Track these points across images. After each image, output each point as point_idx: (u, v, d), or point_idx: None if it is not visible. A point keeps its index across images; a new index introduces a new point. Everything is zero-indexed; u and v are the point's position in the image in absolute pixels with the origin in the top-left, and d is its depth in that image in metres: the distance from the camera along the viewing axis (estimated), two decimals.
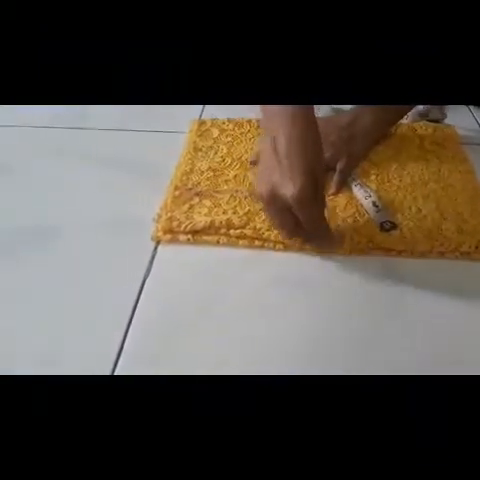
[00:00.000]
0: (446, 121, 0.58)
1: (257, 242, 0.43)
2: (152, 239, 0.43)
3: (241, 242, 0.43)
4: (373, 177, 0.50)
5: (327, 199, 0.47)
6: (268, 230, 0.43)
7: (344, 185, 0.48)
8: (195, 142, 0.55)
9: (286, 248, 0.43)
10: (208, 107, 0.62)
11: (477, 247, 0.41)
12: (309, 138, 0.37)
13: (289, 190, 0.36)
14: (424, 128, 0.56)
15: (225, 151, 0.53)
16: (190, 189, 0.48)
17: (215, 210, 0.46)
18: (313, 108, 0.39)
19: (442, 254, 0.42)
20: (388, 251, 0.42)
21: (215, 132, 0.56)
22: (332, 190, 0.48)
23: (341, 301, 0.39)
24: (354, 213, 0.46)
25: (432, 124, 0.57)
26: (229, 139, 0.55)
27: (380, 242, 0.42)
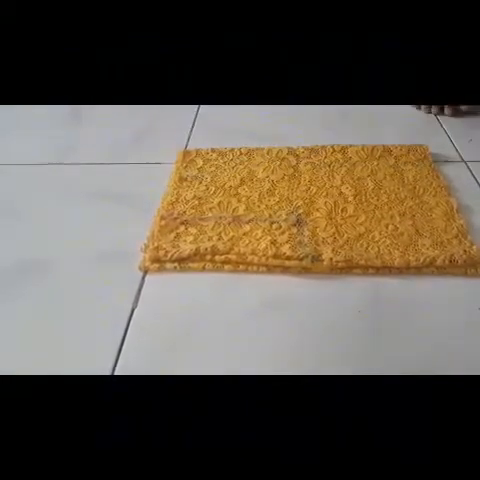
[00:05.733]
0: (418, 141, 0.60)
1: (241, 266, 0.45)
2: (140, 269, 0.45)
3: (226, 267, 0.45)
4: (351, 198, 0.52)
5: (308, 219, 0.49)
6: (252, 254, 0.45)
7: None
8: (180, 172, 0.57)
9: (269, 271, 0.45)
10: (192, 139, 0.65)
11: (451, 261, 0.43)
12: None
13: None
14: (399, 148, 0.59)
15: (209, 180, 0.56)
16: (176, 218, 0.50)
17: (200, 237, 0.48)
18: None
19: (419, 270, 0.44)
20: (366, 269, 0.44)
21: (199, 162, 0.59)
22: None
23: (325, 319, 0.40)
24: (334, 233, 0.48)
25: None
26: (213, 168, 0.58)
27: (358, 260, 0.44)
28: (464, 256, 0.43)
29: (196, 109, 0.72)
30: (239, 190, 0.54)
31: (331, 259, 0.44)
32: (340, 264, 0.44)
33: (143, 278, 0.44)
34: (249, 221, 0.49)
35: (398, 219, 0.49)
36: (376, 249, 0.45)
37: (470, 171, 0.57)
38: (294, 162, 0.58)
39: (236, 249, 0.45)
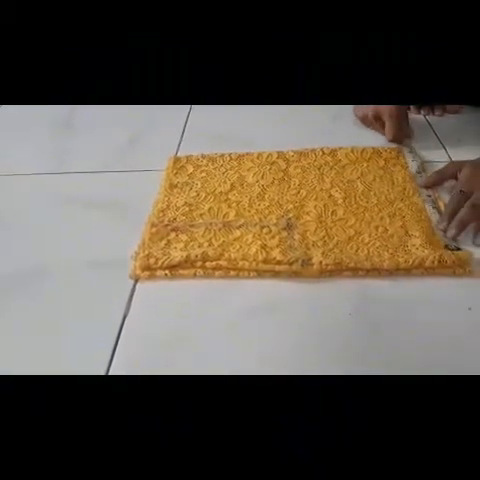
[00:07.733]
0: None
1: (232, 272, 0.45)
2: (130, 277, 0.45)
3: (217, 273, 0.45)
4: (341, 201, 0.52)
5: (298, 223, 0.49)
6: (242, 259, 0.45)
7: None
8: (171, 179, 0.57)
9: (259, 275, 0.45)
10: (183, 145, 0.65)
11: (440, 261, 0.43)
12: None
13: None
14: (388, 151, 0.59)
15: (199, 186, 0.56)
16: (166, 225, 0.50)
17: (191, 244, 0.48)
18: None
19: (408, 271, 0.44)
20: (356, 272, 0.44)
21: (190, 168, 0.59)
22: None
23: (316, 323, 0.41)
24: (324, 237, 0.48)
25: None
26: (203, 174, 0.58)
27: (348, 263, 0.44)
28: (452, 256, 0.43)
29: (186, 116, 0.72)
30: (229, 195, 0.54)
31: (321, 262, 0.44)
32: (330, 267, 0.44)
33: (134, 286, 0.44)
34: (239, 226, 0.50)
35: (388, 221, 0.49)
36: (366, 251, 0.46)
37: None
38: (284, 166, 0.58)
39: (226, 255, 0.46)
